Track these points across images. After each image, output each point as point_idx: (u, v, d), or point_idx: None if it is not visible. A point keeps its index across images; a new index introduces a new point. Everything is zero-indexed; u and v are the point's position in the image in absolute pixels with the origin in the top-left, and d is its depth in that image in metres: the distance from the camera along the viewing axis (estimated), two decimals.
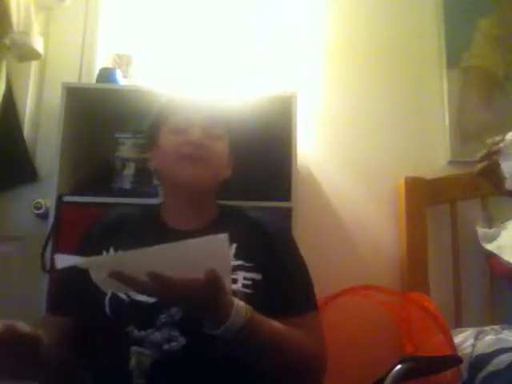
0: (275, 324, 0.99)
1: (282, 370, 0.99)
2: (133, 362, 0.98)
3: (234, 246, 1.08)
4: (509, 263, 1.74)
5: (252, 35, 1.98)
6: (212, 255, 0.84)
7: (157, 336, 0.99)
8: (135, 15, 2.09)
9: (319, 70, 2.10)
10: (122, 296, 1.03)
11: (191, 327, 0.97)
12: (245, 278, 1.05)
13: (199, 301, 0.86)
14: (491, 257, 1.82)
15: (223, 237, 0.83)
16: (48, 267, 1.60)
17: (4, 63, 1.83)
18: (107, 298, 1.04)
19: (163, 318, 1.00)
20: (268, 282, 1.07)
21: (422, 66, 2.15)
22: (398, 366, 1.10)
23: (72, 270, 0.99)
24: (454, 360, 1.28)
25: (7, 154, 1.94)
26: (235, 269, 1.05)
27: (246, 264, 1.07)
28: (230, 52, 1.96)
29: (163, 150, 1.18)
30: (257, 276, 1.07)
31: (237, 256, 1.08)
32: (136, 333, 0.99)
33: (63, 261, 0.86)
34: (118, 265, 0.83)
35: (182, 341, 0.98)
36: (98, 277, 0.87)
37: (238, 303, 0.91)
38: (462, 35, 2.12)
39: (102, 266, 0.85)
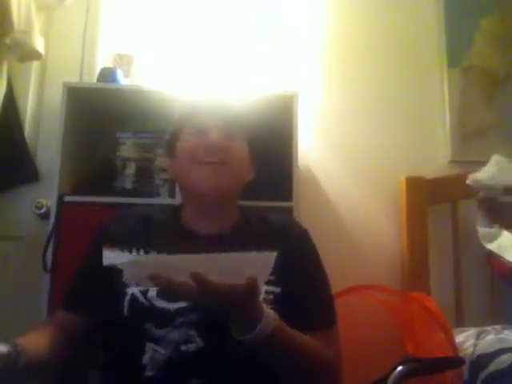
0: (299, 334, 0.99)
1: (298, 377, 1.00)
2: (146, 357, 0.99)
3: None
4: (510, 262, 1.74)
5: (252, 35, 1.98)
6: (256, 269, 0.85)
7: (175, 335, 0.99)
8: (136, 15, 2.09)
9: (319, 69, 2.10)
10: (142, 300, 1.03)
11: (208, 329, 0.98)
12: (266, 292, 1.03)
13: (237, 305, 0.86)
14: (492, 256, 1.82)
15: (272, 255, 0.85)
16: (49, 267, 1.60)
17: (5, 63, 1.83)
18: (126, 299, 1.04)
19: (180, 319, 1.00)
20: (288, 296, 1.06)
21: (423, 65, 2.15)
22: (400, 367, 1.10)
23: (92, 268, 1.06)
24: (456, 361, 1.28)
25: (8, 153, 1.94)
26: None
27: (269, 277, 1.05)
28: (231, 52, 1.96)
29: (181, 156, 1.15)
30: (276, 289, 1.05)
31: None
32: (153, 330, 1.00)
33: (109, 258, 0.85)
34: (161, 266, 0.83)
35: (200, 342, 0.98)
36: (135, 274, 0.86)
37: (269, 311, 0.91)
38: (463, 35, 2.12)
39: (145, 265, 0.85)
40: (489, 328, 1.59)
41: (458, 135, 2.07)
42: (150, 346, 0.99)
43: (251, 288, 0.84)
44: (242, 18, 1.98)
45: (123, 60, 1.99)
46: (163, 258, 0.84)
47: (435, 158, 2.07)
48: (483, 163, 1.91)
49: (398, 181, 1.98)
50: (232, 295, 0.84)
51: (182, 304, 1.00)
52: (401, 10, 2.16)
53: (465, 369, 1.45)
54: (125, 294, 1.04)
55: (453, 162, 2.05)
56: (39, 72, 2.06)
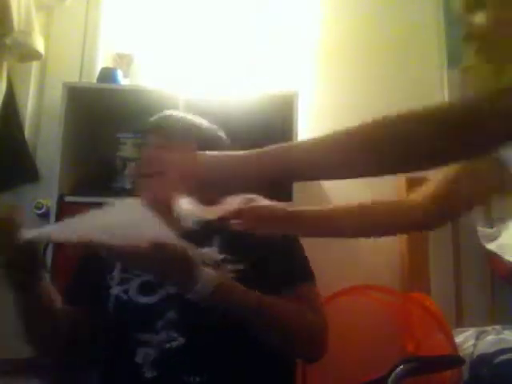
0: (256, 293, 1.02)
1: (280, 339, 1.04)
2: (139, 358, 1.05)
3: (217, 238, 1.12)
4: (510, 262, 1.74)
5: (252, 35, 1.98)
6: (139, 219, 0.90)
7: (158, 338, 1.05)
8: (136, 15, 2.09)
9: (319, 69, 2.10)
10: (125, 298, 1.11)
11: (186, 327, 1.04)
12: (231, 271, 1.08)
13: (153, 267, 0.94)
14: (492, 256, 1.82)
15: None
16: (49, 267, 1.60)
17: (5, 63, 1.83)
18: (111, 301, 1.12)
19: (160, 323, 1.06)
20: (257, 269, 1.09)
21: (423, 65, 2.15)
22: (400, 367, 1.10)
23: (86, 263, 1.17)
24: (456, 360, 1.28)
25: (8, 153, 1.94)
26: (220, 263, 1.08)
27: (230, 257, 1.09)
28: (231, 52, 1.96)
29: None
30: (243, 266, 1.09)
31: (220, 249, 1.11)
32: (140, 335, 1.06)
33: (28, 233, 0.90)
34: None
35: (182, 340, 1.04)
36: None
37: (209, 273, 0.97)
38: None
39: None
40: (489, 328, 1.59)
41: None
42: (140, 349, 1.06)
43: (155, 250, 0.88)
44: (242, 17, 1.99)
45: (123, 60, 1.99)
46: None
47: None
48: None
49: (399, 181, 1.98)
50: (136, 256, 0.89)
51: (160, 296, 1.08)
52: (401, 10, 2.16)
53: (465, 369, 1.45)
54: (109, 295, 1.12)
55: None
56: (39, 72, 2.06)
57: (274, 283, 1.07)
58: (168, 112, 1.26)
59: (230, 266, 1.08)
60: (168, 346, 1.04)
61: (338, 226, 1.03)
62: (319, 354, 1.09)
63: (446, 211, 1.00)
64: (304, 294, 1.09)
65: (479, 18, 0.79)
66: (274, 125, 1.81)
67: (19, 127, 1.97)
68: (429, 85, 2.13)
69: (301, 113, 1.74)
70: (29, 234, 0.89)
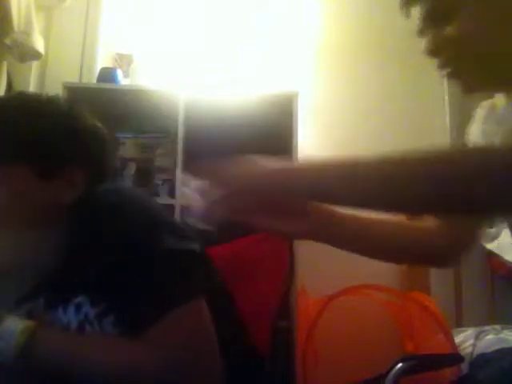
0: (78, 339, 0.83)
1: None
2: None
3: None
4: (509, 262, 1.74)
5: (252, 35, 1.98)
6: None
7: None
8: (136, 15, 2.09)
9: (320, 68, 2.10)
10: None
11: None
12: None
13: None
14: (492, 256, 1.83)
15: None
16: None
17: (5, 63, 1.83)
18: None
19: None
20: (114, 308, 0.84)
21: (423, 64, 2.14)
22: (399, 365, 1.10)
23: None
24: (454, 359, 1.29)
25: None
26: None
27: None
28: (231, 51, 1.96)
29: None
30: (93, 310, 0.84)
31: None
32: None
33: None
34: None
35: None
36: None
37: (10, 326, 0.78)
38: None
39: None
40: (488, 328, 1.59)
41: (458, 135, 2.07)
42: None
43: None
44: (243, 18, 1.99)
45: (123, 60, 1.99)
46: None
47: None
48: None
49: None
50: None
51: None
52: (401, 10, 2.16)
53: (464, 368, 1.46)
54: None
55: None
56: (39, 72, 2.06)
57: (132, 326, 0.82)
58: None
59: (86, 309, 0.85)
60: None
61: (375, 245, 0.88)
62: None
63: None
64: (151, 338, 0.81)
65: (449, 31, 0.75)
66: (274, 124, 1.81)
67: None
68: (429, 85, 2.13)
69: (301, 112, 1.74)
70: None
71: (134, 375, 0.82)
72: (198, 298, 0.84)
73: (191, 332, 0.83)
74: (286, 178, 0.69)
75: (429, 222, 0.89)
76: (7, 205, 0.84)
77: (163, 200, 1.72)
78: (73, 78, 1.98)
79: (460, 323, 1.81)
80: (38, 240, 0.86)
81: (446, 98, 2.09)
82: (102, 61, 2.03)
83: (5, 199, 0.84)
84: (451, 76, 0.79)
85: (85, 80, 2.01)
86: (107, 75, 1.86)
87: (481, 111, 0.92)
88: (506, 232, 1.81)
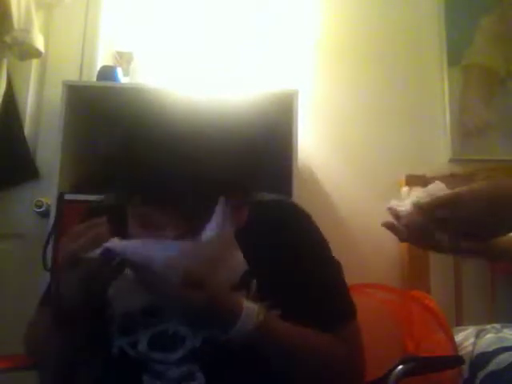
0: (297, 328, 0.87)
1: (308, 377, 0.89)
2: None
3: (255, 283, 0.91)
4: (509, 261, 1.73)
5: (252, 34, 1.98)
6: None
7: (175, 372, 0.87)
8: (136, 12, 2.09)
9: (319, 67, 2.10)
10: (132, 353, 0.89)
11: (211, 363, 0.87)
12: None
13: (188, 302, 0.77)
14: None
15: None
16: (49, 266, 1.60)
17: (4, 61, 1.83)
18: (114, 352, 0.89)
19: (181, 351, 0.87)
20: (293, 311, 0.90)
21: (423, 63, 2.14)
22: (400, 366, 1.10)
23: None
24: (455, 360, 1.28)
25: (8, 152, 1.94)
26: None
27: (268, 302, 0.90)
28: (231, 50, 1.96)
29: None
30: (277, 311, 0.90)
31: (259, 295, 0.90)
32: (152, 364, 0.88)
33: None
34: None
35: (201, 379, 0.86)
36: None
37: (249, 306, 0.81)
38: (463, 33, 2.12)
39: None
40: (488, 327, 1.59)
41: (458, 134, 2.07)
42: (146, 378, 0.87)
43: (187, 281, 0.74)
44: (243, 17, 1.98)
45: (123, 58, 1.99)
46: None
47: (435, 157, 2.07)
48: (483, 161, 1.91)
49: (398, 179, 1.98)
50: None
51: (182, 352, 0.87)
52: (401, 8, 2.16)
53: (464, 368, 1.46)
54: (111, 346, 0.89)
55: (453, 160, 2.05)
56: (39, 70, 2.06)
57: (306, 319, 0.88)
58: None
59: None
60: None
61: None
62: None
63: None
64: (342, 336, 0.92)
65: None
66: (274, 124, 1.80)
67: (19, 125, 1.97)
68: (429, 84, 2.13)
69: (301, 111, 1.74)
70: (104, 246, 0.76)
71: (339, 370, 0.91)
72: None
73: (358, 342, 0.96)
74: None
75: None
76: None
77: None
78: (73, 76, 1.98)
79: (460, 322, 1.81)
80: None
81: (447, 96, 2.09)
82: (102, 59, 2.03)
83: None
84: None
85: (85, 78, 2.00)
86: (107, 73, 1.86)
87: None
88: None
